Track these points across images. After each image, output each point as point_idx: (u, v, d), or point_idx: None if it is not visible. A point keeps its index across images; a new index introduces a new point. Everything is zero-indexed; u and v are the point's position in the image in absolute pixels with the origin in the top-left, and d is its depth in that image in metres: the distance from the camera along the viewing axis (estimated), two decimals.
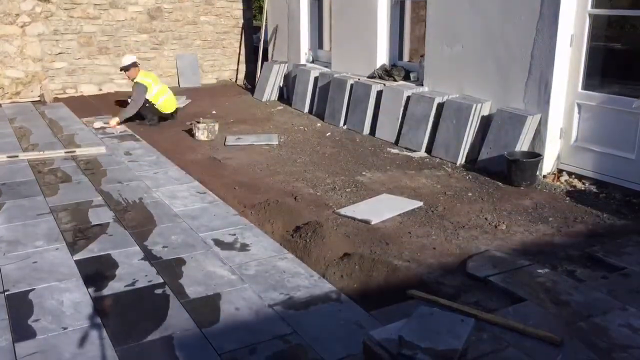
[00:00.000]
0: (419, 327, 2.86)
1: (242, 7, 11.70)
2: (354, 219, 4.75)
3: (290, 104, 9.49)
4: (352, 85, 7.89)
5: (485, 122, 6.15)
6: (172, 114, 8.46)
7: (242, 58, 11.94)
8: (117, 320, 3.25)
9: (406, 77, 7.60)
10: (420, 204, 5.04)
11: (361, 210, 4.92)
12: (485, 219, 4.71)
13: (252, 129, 7.96)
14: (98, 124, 7.89)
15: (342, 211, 4.90)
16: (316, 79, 8.89)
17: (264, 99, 10.02)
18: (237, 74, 11.95)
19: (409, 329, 2.84)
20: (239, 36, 11.80)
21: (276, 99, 10.12)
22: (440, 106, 6.57)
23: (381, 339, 2.81)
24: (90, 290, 3.57)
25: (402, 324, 2.90)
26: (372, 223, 4.63)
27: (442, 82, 6.84)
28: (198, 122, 7.41)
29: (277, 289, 3.57)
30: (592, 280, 3.63)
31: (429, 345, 2.73)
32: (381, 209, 4.92)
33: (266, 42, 10.87)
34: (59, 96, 10.17)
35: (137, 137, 7.44)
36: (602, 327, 3.09)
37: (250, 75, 11.74)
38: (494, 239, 4.34)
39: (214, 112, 9.08)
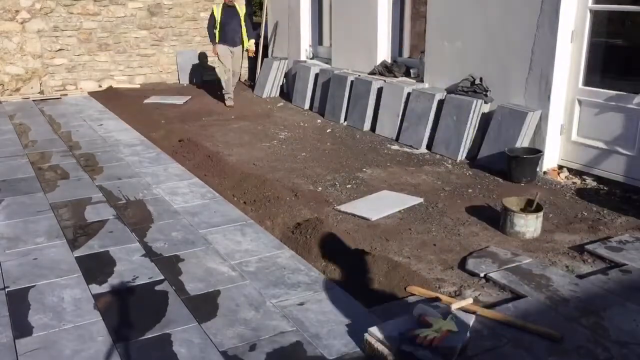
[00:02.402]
0: (419, 323, 2.87)
1: (243, 3, 11.66)
2: (354, 215, 4.75)
3: (290, 101, 9.48)
4: (352, 82, 7.88)
5: (486, 119, 6.14)
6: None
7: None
8: (117, 316, 3.26)
9: (406, 73, 7.58)
10: (421, 200, 5.04)
11: (361, 206, 4.92)
12: (486, 215, 4.71)
13: (254, 126, 7.96)
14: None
15: (342, 207, 4.90)
16: (316, 75, 8.88)
17: (264, 96, 10.01)
18: (240, 71, 11.90)
19: (409, 325, 2.85)
20: None
21: (276, 95, 10.11)
22: (441, 102, 6.56)
23: (382, 335, 2.82)
24: (91, 286, 3.57)
25: (403, 320, 2.91)
26: (372, 220, 4.64)
27: (443, 78, 6.83)
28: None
29: (277, 286, 3.57)
30: (592, 277, 3.63)
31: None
32: (381, 205, 4.93)
33: (266, 39, 10.84)
34: (59, 92, 10.16)
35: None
36: (602, 324, 3.09)
37: (251, 72, 11.72)
38: (494, 235, 4.34)
39: (219, 109, 9.06)
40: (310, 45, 9.85)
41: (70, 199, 5.09)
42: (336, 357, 2.87)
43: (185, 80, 11.24)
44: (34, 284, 3.61)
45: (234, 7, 8.95)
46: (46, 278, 3.68)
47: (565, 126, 5.67)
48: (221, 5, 8.97)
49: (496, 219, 4.49)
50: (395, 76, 7.55)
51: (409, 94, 6.99)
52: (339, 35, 8.74)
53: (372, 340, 2.85)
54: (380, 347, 2.80)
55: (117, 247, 4.13)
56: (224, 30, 8.89)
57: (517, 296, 3.41)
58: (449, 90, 6.61)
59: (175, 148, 6.74)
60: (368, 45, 8.06)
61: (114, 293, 3.51)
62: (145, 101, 9.51)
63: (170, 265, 3.85)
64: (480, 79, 6.23)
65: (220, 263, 3.88)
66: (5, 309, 3.33)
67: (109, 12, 10.44)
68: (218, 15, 8.89)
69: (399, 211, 4.81)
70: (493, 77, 6.16)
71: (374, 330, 2.87)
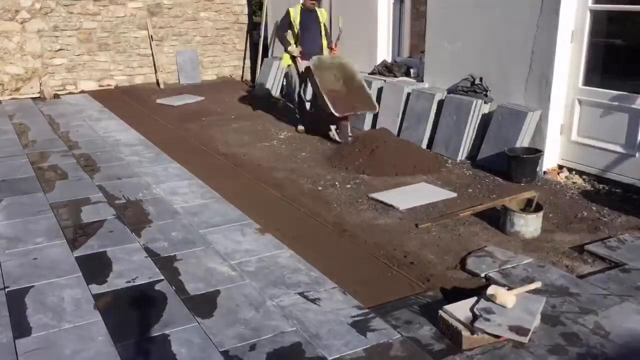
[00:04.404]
0: (492, 303, 3.08)
1: (244, 3, 11.66)
2: (383, 203, 4.94)
3: (290, 101, 9.47)
4: None
5: (486, 119, 6.14)
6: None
7: (246, 54, 11.92)
8: (117, 316, 3.25)
9: (406, 73, 7.58)
10: (455, 195, 5.14)
11: (393, 196, 5.10)
12: (486, 215, 4.71)
13: (253, 126, 7.95)
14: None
15: (375, 195, 5.11)
16: None
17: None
18: (243, 71, 11.92)
19: (483, 305, 3.06)
20: (240, 32, 11.77)
21: (276, 95, 10.09)
22: (441, 102, 6.56)
23: (456, 313, 3.01)
24: (91, 286, 3.57)
25: (475, 300, 3.12)
26: (400, 209, 4.82)
27: (443, 78, 6.83)
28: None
29: (277, 286, 3.57)
30: (593, 277, 3.63)
31: (504, 321, 2.93)
32: (413, 196, 5.09)
33: (266, 39, 10.84)
34: (59, 92, 10.17)
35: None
36: (603, 323, 3.09)
37: (252, 72, 11.73)
38: (494, 235, 4.33)
39: (219, 109, 9.05)
40: None
41: (70, 199, 5.09)
42: (336, 357, 2.87)
43: (185, 80, 11.24)
44: (33, 284, 3.61)
45: (314, 11, 7.27)
46: (46, 278, 3.68)
47: (565, 126, 5.67)
48: (298, 6, 7.28)
49: (496, 218, 4.49)
50: (395, 76, 7.55)
51: (409, 94, 6.98)
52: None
53: (447, 317, 3.02)
54: (455, 323, 2.96)
55: (117, 247, 4.13)
56: (303, 39, 7.20)
57: None
58: (449, 90, 6.61)
59: (174, 148, 6.75)
60: (368, 45, 8.06)
61: (114, 293, 3.51)
62: (158, 100, 9.53)
63: (170, 265, 3.85)
64: (480, 79, 6.23)
65: (220, 263, 3.88)
66: (5, 309, 3.33)
67: (109, 12, 10.44)
68: (297, 19, 7.18)
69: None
70: (493, 77, 6.15)
71: (449, 308, 3.05)
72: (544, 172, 5.67)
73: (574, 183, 5.44)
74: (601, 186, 5.29)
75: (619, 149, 5.21)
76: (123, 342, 3.00)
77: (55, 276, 3.70)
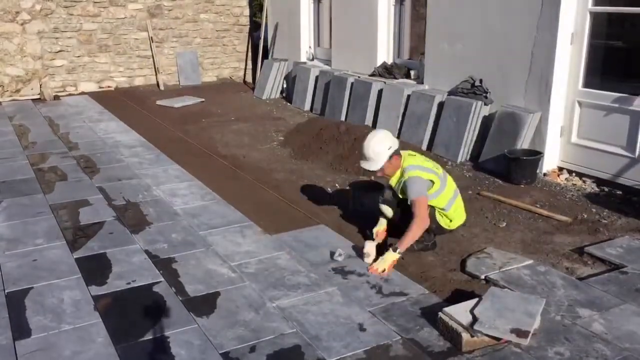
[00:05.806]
0: (492, 305, 3.08)
1: (244, 4, 11.67)
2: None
3: (290, 102, 9.48)
4: (352, 84, 7.88)
5: (486, 120, 6.14)
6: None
7: (248, 55, 11.92)
8: (117, 317, 3.25)
9: (406, 75, 7.58)
10: None
11: None
12: (486, 217, 4.71)
13: (253, 128, 7.95)
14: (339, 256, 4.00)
15: None
16: (317, 77, 8.88)
17: (264, 97, 10.01)
18: (244, 72, 11.94)
19: (483, 307, 3.06)
20: (240, 34, 11.78)
21: (277, 96, 10.11)
22: (441, 104, 6.56)
23: (455, 314, 3.02)
24: (90, 288, 3.57)
25: (475, 302, 3.12)
26: None
27: (443, 80, 6.83)
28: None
29: (277, 287, 3.57)
30: (592, 279, 3.63)
31: (504, 323, 2.93)
32: None
33: (266, 40, 10.86)
34: (59, 94, 10.17)
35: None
36: (602, 325, 3.09)
37: (253, 73, 11.74)
38: (494, 237, 4.33)
39: (219, 111, 9.06)
40: (310, 47, 9.86)
41: (70, 200, 5.09)
42: (336, 358, 2.87)
43: (185, 82, 11.24)
44: (33, 285, 3.61)
45: None
46: (46, 279, 3.68)
47: (565, 128, 5.67)
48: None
49: (496, 220, 4.48)
50: (395, 78, 7.55)
51: (408, 95, 6.98)
52: (339, 37, 8.75)
53: (446, 319, 3.02)
54: (455, 325, 2.97)
55: (116, 248, 4.13)
56: None
57: None
58: (449, 92, 6.61)
59: (174, 149, 6.75)
60: (368, 46, 8.06)
61: (114, 294, 3.51)
62: (158, 102, 9.54)
63: (169, 267, 3.85)
64: (480, 81, 6.23)
65: (220, 264, 3.88)
66: (4, 310, 3.32)
67: (109, 14, 10.45)
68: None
69: None
70: (493, 78, 6.15)
71: (449, 310, 3.06)
72: (544, 174, 5.67)
73: (573, 185, 5.44)
74: (601, 188, 5.29)
75: (619, 151, 5.21)
76: (123, 344, 3.00)
77: (55, 277, 3.70)
